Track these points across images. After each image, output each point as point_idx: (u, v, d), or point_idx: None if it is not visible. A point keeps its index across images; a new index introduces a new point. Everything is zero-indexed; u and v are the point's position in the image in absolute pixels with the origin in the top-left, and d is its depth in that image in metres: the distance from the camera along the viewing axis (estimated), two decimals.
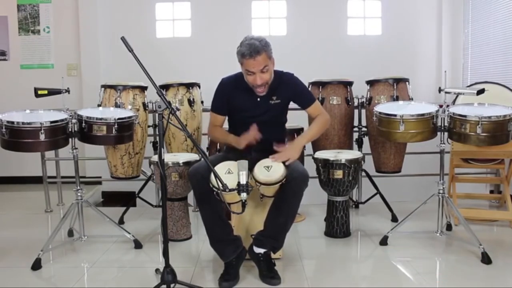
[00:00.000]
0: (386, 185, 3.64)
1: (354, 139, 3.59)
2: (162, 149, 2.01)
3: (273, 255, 2.39)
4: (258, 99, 2.49)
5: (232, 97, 2.53)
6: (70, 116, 2.67)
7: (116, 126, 2.69)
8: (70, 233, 3.00)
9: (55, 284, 2.40)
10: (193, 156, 2.98)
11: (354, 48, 5.09)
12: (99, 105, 3.25)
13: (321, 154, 3.00)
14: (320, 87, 3.42)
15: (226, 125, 2.69)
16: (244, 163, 2.17)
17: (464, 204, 3.46)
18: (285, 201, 2.28)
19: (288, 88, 2.52)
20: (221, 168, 2.28)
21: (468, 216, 3.11)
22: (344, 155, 2.93)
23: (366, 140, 3.56)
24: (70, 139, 2.70)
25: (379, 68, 4.13)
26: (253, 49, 2.30)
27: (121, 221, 3.34)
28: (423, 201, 2.82)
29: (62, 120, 2.59)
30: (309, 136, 2.54)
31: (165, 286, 2.02)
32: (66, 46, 5.13)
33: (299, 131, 3.22)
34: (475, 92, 2.56)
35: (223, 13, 5.12)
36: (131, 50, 1.96)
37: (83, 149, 4.15)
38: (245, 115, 2.53)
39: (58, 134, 2.58)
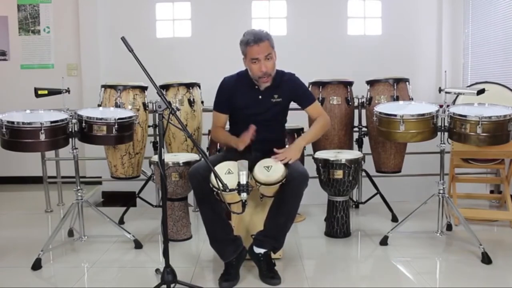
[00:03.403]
0: (386, 185, 3.64)
1: (354, 139, 3.59)
2: (162, 149, 2.01)
3: (273, 255, 2.39)
4: (260, 97, 2.50)
5: (234, 94, 2.54)
6: (70, 116, 2.67)
7: (116, 126, 2.70)
8: (70, 233, 3.00)
9: (55, 284, 2.40)
10: (193, 156, 2.98)
11: (354, 48, 5.09)
12: (99, 105, 3.25)
13: (321, 154, 3.00)
14: (320, 87, 3.42)
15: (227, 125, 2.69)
16: (244, 163, 2.17)
17: (464, 204, 3.46)
18: (285, 201, 2.28)
19: (289, 87, 2.54)
20: (221, 168, 2.28)
21: (468, 216, 3.11)
22: (344, 155, 2.93)
23: (366, 140, 3.56)
24: (70, 139, 2.70)
25: (379, 68, 4.13)
26: (257, 36, 2.38)
27: (121, 221, 3.34)
28: (423, 201, 2.82)
29: (62, 120, 2.59)
30: (309, 137, 2.55)
31: (165, 286, 2.02)
32: (66, 46, 5.14)
33: (299, 131, 3.22)
34: (475, 92, 2.56)
35: (223, 13, 5.12)
36: (131, 50, 1.97)
37: (83, 149, 4.15)
38: (246, 113, 2.53)
39: (58, 134, 2.58)
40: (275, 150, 2.36)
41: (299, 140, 2.50)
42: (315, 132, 2.55)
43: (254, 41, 2.36)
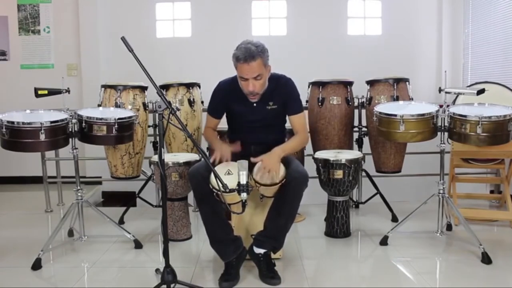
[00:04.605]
0: (386, 185, 3.64)
1: (354, 139, 3.59)
2: (162, 149, 2.01)
3: (273, 255, 2.39)
4: (255, 105, 2.47)
5: (229, 101, 2.52)
6: (70, 116, 2.67)
7: (116, 126, 2.70)
8: (70, 233, 3.00)
9: (55, 284, 2.40)
10: (193, 156, 2.98)
11: (354, 48, 5.09)
12: (99, 105, 3.25)
13: (321, 154, 3.00)
14: (320, 87, 3.42)
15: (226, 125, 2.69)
16: (244, 163, 2.17)
17: (464, 204, 3.46)
18: (285, 202, 2.27)
19: (282, 92, 2.49)
20: (221, 169, 2.28)
21: (468, 216, 3.11)
22: (344, 155, 2.93)
23: (366, 140, 3.56)
24: (70, 139, 2.70)
25: (379, 68, 4.12)
26: (248, 54, 2.25)
27: (121, 221, 3.34)
28: (423, 201, 2.82)
29: (62, 120, 2.59)
30: (288, 149, 2.40)
31: (165, 286, 2.02)
32: (66, 46, 5.13)
33: None
34: (475, 92, 2.56)
35: (223, 13, 5.13)
36: (131, 50, 1.97)
37: (83, 149, 4.16)
38: (243, 120, 2.52)
39: (58, 134, 2.58)
40: (251, 160, 2.29)
41: (278, 149, 2.33)
42: (294, 146, 2.46)
43: (244, 59, 2.25)
